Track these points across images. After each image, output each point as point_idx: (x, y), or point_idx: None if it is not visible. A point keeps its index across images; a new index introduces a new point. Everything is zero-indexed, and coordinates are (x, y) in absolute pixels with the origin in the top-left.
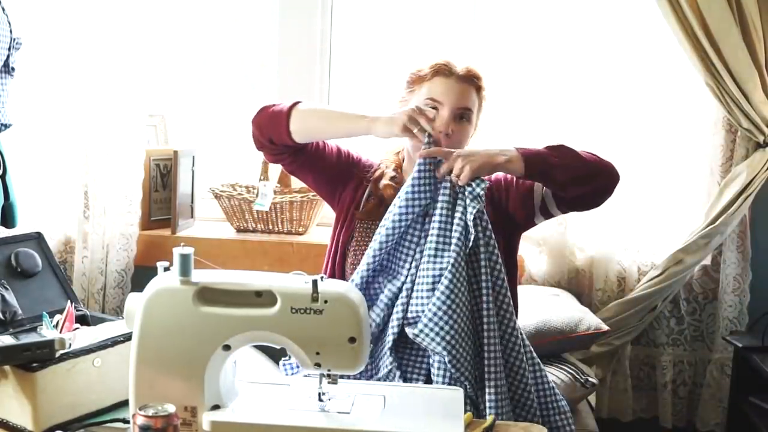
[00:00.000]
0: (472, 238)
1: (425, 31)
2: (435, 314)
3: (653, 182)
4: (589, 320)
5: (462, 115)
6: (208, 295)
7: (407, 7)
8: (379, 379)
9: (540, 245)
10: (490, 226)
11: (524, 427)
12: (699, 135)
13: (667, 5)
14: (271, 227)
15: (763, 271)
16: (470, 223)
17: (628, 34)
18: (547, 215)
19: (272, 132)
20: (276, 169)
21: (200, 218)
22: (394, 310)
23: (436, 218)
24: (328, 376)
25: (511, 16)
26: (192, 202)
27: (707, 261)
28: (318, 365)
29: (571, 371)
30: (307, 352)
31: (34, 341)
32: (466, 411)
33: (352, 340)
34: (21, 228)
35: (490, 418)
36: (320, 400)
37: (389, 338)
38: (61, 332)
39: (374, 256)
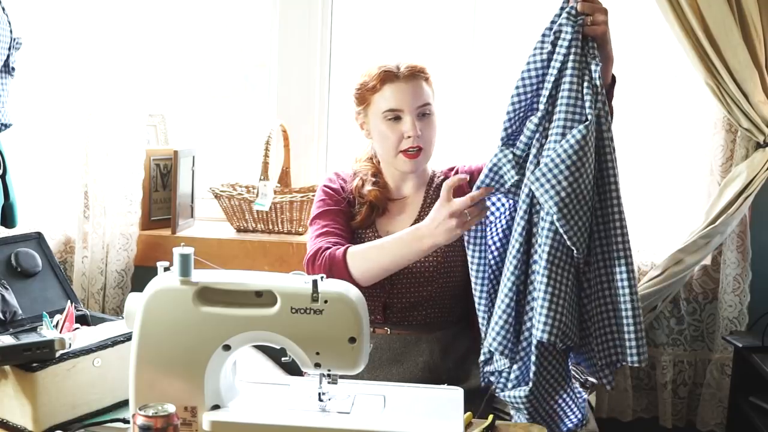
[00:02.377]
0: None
1: (426, 30)
2: (560, 161)
3: (653, 182)
4: None
5: (424, 112)
6: (208, 295)
7: (408, 6)
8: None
9: None
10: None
11: (524, 427)
12: (699, 135)
13: (667, 5)
14: (271, 227)
15: (763, 271)
16: (599, 82)
17: (628, 34)
18: None
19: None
20: (276, 169)
21: (200, 218)
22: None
23: (568, 73)
24: (328, 376)
25: (511, 16)
26: (192, 202)
27: (707, 261)
28: (318, 365)
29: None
30: (307, 352)
31: (34, 341)
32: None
33: (352, 340)
34: (21, 228)
35: (490, 418)
36: (320, 400)
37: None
38: (61, 332)
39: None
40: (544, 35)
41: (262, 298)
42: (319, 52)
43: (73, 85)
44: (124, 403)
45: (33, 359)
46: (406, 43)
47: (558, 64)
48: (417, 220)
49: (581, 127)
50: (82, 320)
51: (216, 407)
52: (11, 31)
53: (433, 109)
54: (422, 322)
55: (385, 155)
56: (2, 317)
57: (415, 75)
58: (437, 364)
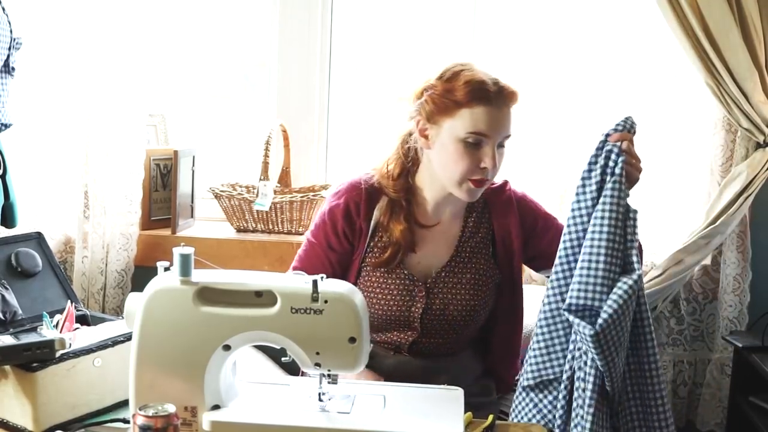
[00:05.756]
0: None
1: (426, 30)
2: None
3: (653, 182)
4: None
5: (503, 144)
6: (208, 295)
7: (408, 6)
8: None
9: None
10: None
11: (524, 427)
12: (699, 135)
13: (667, 5)
14: (271, 227)
15: (763, 271)
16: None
17: (628, 34)
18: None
19: None
20: (276, 169)
21: (200, 218)
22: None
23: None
24: (328, 376)
25: (512, 16)
26: (192, 202)
27: (707, 261)
28: (318, 365)
29: None
30: (307, 352)
31: (34, 341)
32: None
33: (352, 340)
34: (21, 228)
35: (490, 418)
36: (320, 400)
37: None
38: (61, 332)
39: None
40: (584, 178)
41: (262, 298)
42: (319, 52)
43: (73, 85)
44: (124, 403)
45: (33, 359)
46: (406, 43)
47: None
48: (456, 252)
49: (631, 282)
50: (82, 320)
51: (216, 407)
52: (11, 31)
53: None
54: (444, 354)
55: (447, 179)
56: (2, 317)
57: (510, 101)
58: (457, 383)
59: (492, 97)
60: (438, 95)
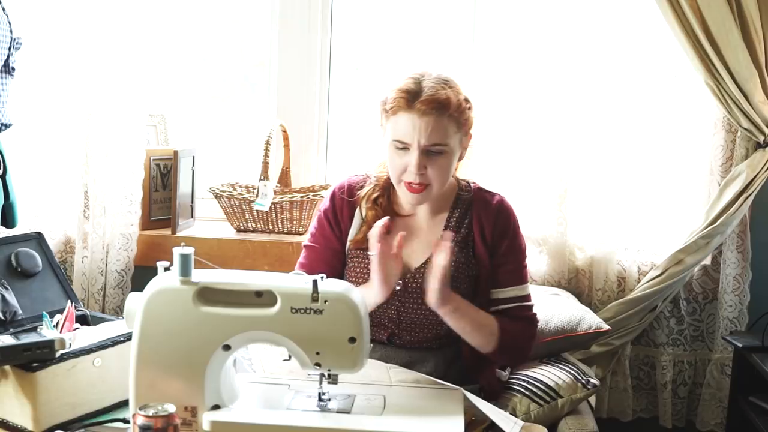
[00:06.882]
0: None
1: (426, 30)
2: None
3: (653, 182)
4: (590, 319)
5: (434, 151)
6: (208, 295)
7: (408, 6)
8: None
9: (540, 245)
10: None
11: (524, 428)
12: (699, 135)
13: (667, 5)
14: (271, 227)
15: (763, 271)
16: None
17: (628, 34)
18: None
19: None
20: (276, 169)
21: (200, 218)
22: None
23: None
24: (328, 376)
25: (511, 15)
26: (192, 202)
27: (707, 261)
28: (318, 365)
29: (572, 371)
30: (307, 352)
31: (35, 341)
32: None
33: (352, 340)
34: (21, 228)
35: None
36: (320, 400)
37: None
38: (61, 332)
39: None
40: None
41: (262, 298)
42: (319, 52)
43: (73, 85)
44: (124, 403)
45: (33, 359)
46: (406, 43)
47: None
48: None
49: None
50: (82, 320)
51: (216, 407)
52: (11, 31)
53: (449, 147)
54: (426, 348)
55: (392, 180)
56: (2, 317)
57: (433, 110)
58: (442, 374)
59: (410, 106)
60: (381, 105)
